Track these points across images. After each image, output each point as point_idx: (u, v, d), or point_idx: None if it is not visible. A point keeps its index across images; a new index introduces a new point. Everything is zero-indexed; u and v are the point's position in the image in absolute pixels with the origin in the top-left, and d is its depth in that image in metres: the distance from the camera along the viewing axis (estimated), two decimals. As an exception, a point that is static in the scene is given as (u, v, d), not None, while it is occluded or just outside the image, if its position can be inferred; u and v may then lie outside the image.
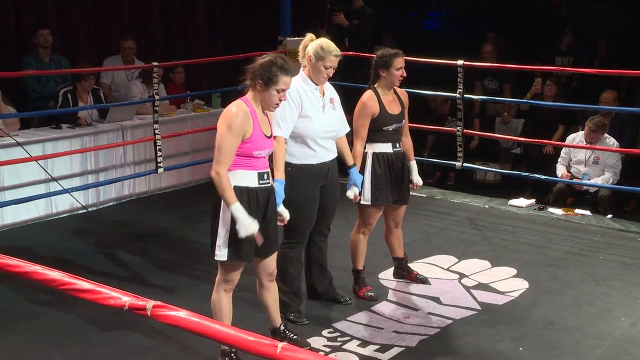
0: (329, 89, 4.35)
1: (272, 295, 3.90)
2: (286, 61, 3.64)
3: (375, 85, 4.61)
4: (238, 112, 3.49)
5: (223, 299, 3.73)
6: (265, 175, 3.64)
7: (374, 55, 4.66)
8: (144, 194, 7.21)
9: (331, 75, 4.20)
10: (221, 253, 3.61)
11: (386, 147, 4.60)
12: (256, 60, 3.60)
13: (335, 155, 4.34)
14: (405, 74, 4.59)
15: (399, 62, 4.55)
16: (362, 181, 4.49)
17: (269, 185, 3.68)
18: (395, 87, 4.66)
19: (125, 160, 7.04)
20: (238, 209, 3.47)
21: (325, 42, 4.18)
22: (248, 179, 3.58)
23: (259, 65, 3.54)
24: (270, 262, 3.81)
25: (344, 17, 8.18)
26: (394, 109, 4.61)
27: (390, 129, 4.58)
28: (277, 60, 3.56)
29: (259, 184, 3.60)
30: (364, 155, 4.57)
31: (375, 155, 4.57)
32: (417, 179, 4.83)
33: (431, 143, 8.58)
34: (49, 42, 7.26)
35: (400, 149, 4.69)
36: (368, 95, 4.56)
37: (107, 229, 6.24)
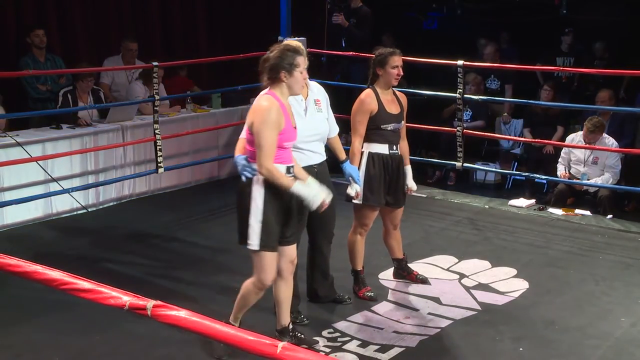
0: (315, 90, 4.31)
1: (288, 289, 3.94)
2: (291, 44, 3.76)
3: (375, 85, 4.62)
4: (271, 106, 3.56)
5: (253, 292, 3.79)
6: (291, 169, 3.69)
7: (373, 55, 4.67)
8: (144, 194, 7.20)
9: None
10: (253, 243, 3.63)
11: (382, 148, 4.60)
12: (266, 58, 3.66)
13: (324, 158, 4.31)
14: (401, 73, 4.59)
15: (395, 60, 4.55)
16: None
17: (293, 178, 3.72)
18: (394, 90, 4.67)
19: (125, 161, 7.04)
20: (300, 188, 3.59)
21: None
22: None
23: (277, 58, 3.62)
24: (292, 250, 3.88)
25: (344, 18, 8.19)
26: (392, 108, 4.61)
27: (389, 128, 4.58)
28: (288, 47, 3.69)
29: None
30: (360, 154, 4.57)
31: (371, 155, 4.57)
32: (411, 183, 4.81)
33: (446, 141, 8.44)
34: (44, 42, 7.23)
35: (397, 151, 4.67)
36: (366, 93, 4.58)
37: (107, 229, 6.24)
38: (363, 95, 4.58)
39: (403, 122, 4.71)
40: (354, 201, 4.56)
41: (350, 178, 4.41)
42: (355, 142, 4.54)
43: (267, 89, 3.69)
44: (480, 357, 4.04)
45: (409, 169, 4.82)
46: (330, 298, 4.65)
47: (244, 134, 3.86)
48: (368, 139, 4.57)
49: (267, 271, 3.72)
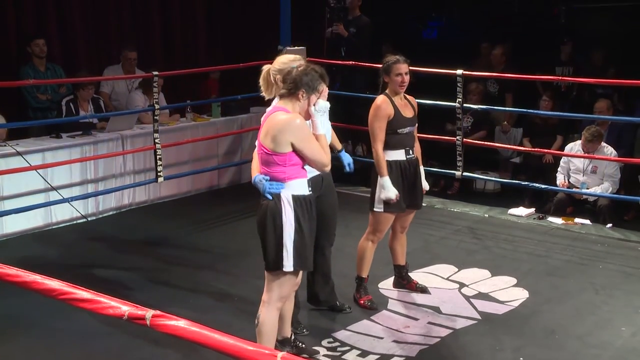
0: None
1: (290, 304, 3.91)
2: (319, 68, 3.71)
3: (387, 91, 4.67)
4: (295, 117, 3.48)
5: (276, 318, 3.66)
6: (309, 182, 3.65)
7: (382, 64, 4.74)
8: (143, 203, 7.20)
9: None
10: (288, 264, 3.53)
11: (399, 155, 4.65)
12: (290, 71, 3.63)
13: None
14: (406, 80, 4.62)
15: (398, 68, 4.59)
16: (375, 189, 4.57)
17: (312, 193, 3.69)
18: (404, 94, 4.72)
19: (125, 170, 7.04)
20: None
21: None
22: (302, 187, 3.58)
23: (303, 75, 3.54)
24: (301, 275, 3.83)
25: (343, 28, 8.23)
26: (407, 112, 4.68)
27: (405, 132, 4.63)
28: (317, 69, 3.62)
29: (308, 191, 3.61)
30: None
31: (389, 164, 4.61)
32: (424, 184, 4.89)
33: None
34: (44, 52, 7.26)
35: (413, 155, 4.72)
36: (382, 99, 4.63)
37: (106, 238, 6.23)
38: (379, 101, 4.62)
39: (416, 124, 4.77)
40: (374, 209, 4.61)
41: (348, 164, 4.47)
42: (378, 149, 4.58)
43: (276, 104, 3.64)
44: (480, 366, 4.03)
45: (421, 170, 4.87)
46: (330, 303, 4.64)
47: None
48: (384, 145, 4.60)
49: (291, 289, 3.70)
